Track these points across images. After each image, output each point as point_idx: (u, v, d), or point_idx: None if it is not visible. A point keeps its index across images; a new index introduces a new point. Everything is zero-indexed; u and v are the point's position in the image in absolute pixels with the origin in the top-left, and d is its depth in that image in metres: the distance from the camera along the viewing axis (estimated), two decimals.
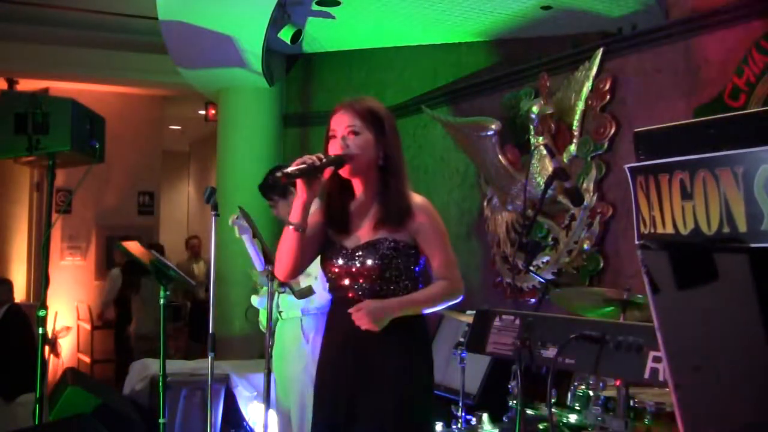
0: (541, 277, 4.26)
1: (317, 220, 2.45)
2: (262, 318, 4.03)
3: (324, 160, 2.29)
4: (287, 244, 2.35)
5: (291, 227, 2.32)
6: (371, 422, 2.28)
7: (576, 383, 3.01)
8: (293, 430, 3.91)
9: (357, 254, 2.34)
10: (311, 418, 2.53)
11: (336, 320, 2.42)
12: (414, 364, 2.36)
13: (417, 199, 2.43)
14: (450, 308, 3.85)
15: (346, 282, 2.37)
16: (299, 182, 2.27)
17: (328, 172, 2.32)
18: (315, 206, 2.46)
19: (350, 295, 2.36)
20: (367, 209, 2.42)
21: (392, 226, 2.35)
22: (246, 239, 3.92)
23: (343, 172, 2.36)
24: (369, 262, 2.32)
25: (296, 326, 3.91)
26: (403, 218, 2.36)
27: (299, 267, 2.41)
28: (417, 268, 2.41)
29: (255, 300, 4.08)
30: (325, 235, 2.45)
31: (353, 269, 2.34)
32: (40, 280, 3.75)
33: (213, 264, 3.28)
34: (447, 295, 2.42)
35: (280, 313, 3.90)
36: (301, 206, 2.30)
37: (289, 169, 2.26)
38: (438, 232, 2.42)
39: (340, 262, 2.37)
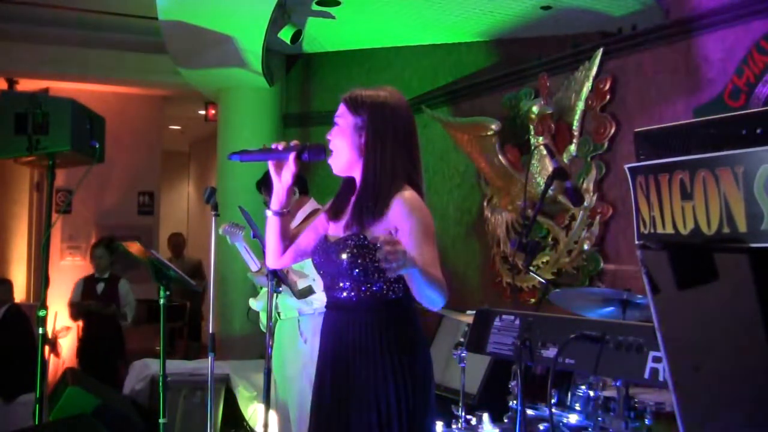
0: (541, 277, 4.26)
1: (321, 215, 2.44)
2: (263, 318, 4.04)
3: (284, 147, 2.29)
4: (268, 230, 2.41)
5: (268, 212, 2.38)
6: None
7: (576, 383, 3.01)
8: (292, 430, 3.92)
9: (331, 249, 2.27)
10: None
11: (325, 326, 2.36)
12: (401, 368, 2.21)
13: (404, 193, 2.21)
14: (450, 308, 3.88)
15: (329, 281, 2.32)
16: (270, 168, 2.31)
17: (295, 160, 2.28)
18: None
19: (334, 296, 2.31)
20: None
21: (360, 222, 2.22)
22: (239, 245, 3.91)
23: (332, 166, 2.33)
24: (337, 258, 2.22)
25: (294, 327, 3.92)
26: (368, 216, 2.21)
27: (281, 252, 2.42)
28: None
29: (253, 303, 4.08)
30: (320, 229, 2.41)
31: (328, 265, 2.29)
32: (40, 280, 3.75)
33: (213, 264, 3.28)
34: (440, 287, 2.10)
35: (278, 313, 3.91)
36: (275, 192, 2.35)
37: (246, 149, 2.34)
38: (415, 226, 2.16)
39: (317, 257, 2.34)
